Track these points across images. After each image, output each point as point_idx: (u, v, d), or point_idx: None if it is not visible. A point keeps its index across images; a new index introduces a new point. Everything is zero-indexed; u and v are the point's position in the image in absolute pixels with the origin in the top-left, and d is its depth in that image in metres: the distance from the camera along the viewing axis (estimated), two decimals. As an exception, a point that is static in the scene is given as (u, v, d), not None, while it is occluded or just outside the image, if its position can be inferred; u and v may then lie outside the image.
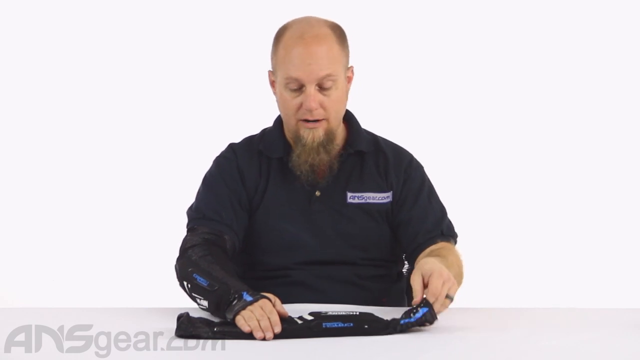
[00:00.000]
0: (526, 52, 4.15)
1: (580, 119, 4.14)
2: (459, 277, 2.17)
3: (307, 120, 2.20)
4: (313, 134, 2.21)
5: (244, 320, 1.86)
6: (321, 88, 2.19)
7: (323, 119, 2.21)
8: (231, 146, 2.36)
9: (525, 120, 4.15)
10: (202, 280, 2.05)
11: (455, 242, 2.33)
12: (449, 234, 2.30)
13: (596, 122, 4.13)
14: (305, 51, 2.18)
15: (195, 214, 2.28)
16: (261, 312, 1.87)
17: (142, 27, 4.13)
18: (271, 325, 1.85)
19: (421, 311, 1.82)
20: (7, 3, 4.12)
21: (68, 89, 4.14)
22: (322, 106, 2.20)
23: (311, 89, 2.18)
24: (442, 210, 2.33)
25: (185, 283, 2.10)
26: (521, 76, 4.14)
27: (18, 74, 4.14)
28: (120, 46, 4.14)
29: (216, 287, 2.01)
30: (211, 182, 2.32)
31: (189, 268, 2.10)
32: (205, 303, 2.02)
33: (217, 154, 2.37)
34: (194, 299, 2.07)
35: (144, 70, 4.14)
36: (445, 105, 4.15)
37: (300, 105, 2.19)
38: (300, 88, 2.19)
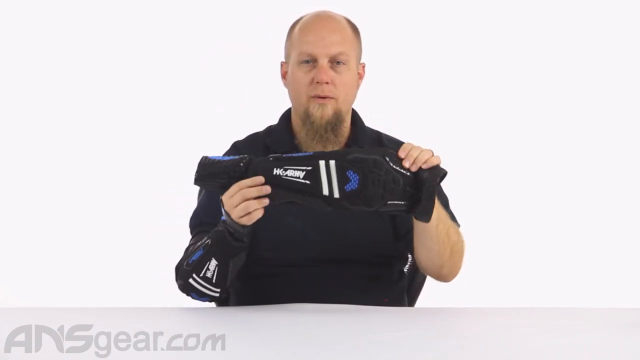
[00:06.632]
0: (527, 50, 4.16)
1: (581, 119, 4.14)
2: (455, 242, 2.19)
3: (317, 97, 2.22)
4: (322, 111, 2.23)
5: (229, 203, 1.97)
6: (333, 65, 2.23)
7: (333, 98, 2.23)
8: (234, 145, 2.37)
9: (527, 120, 4.15)
10: (196, 255, 2.08)
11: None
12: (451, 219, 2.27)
13: (596, 122, 4.14)
14: (321, 27, 2.24)
15: (194, 221, 2.29)
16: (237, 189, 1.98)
17: (143, 26, 4.14)
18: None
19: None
20: (7, 3, 4.13)
21: (68, 88, 4.15)
22: (333, 83, 2.23)
23: (324, 62, 2.22)
24: (444, 199, 2.32)
25: (190, 282, 2.10)
26: (524, 75, 4.15)
27: (18, 74, 4.14)
28: (121, 47, 4.15)
29: (207, 241, 2.08)
30: None
31: (184, 272, 2.11)
32: (213, 263, 2.05)
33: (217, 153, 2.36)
34: (206, 281, 2.07)
35: (145, 71, 4.14)
36: (446, 105, 4.16)
37: (312, 80, 2.23)
38: (313, 63, 2.23)
